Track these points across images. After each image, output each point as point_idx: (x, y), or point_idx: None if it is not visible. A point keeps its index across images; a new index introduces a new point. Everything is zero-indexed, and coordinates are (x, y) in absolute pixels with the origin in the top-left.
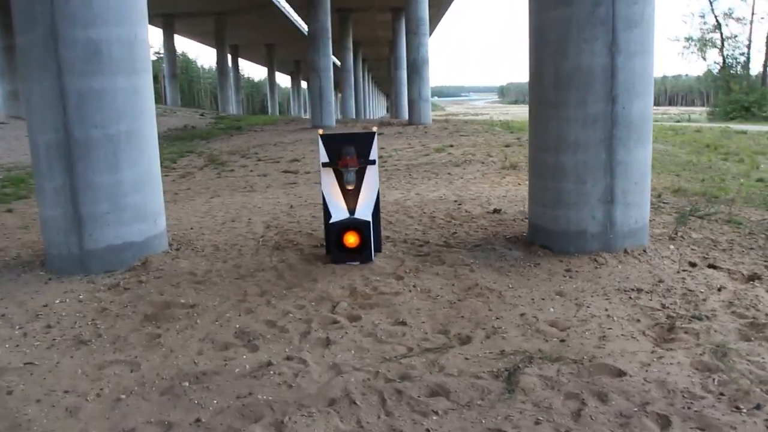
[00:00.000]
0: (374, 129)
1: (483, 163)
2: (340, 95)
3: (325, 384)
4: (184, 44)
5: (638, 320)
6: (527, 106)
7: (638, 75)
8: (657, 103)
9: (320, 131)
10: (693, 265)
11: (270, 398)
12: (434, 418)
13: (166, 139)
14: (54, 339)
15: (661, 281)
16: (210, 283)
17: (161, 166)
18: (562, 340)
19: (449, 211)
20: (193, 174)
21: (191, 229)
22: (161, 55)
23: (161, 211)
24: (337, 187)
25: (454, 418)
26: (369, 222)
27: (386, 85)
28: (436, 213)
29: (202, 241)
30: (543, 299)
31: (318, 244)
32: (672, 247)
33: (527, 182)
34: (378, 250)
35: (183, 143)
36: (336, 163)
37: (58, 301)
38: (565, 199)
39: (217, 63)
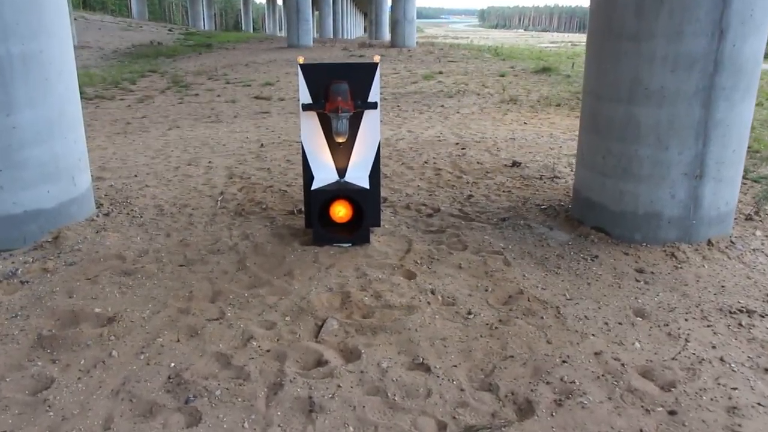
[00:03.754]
0: (376, 58)
1: (479, 94)
2: (317, 13)
3: None
4: None
5: (767, 370)
6: (508, 31)
7: None
8: None
9: (300, 59)
10: None
11: None
12: None
13: (128, 56)
14: None
15: None
16: (142, 274)
17: (117, 87)
18: (672, 412)
19: (455, 160)
20: (153, 98)
21: (134, 176)
22: None
23: (83, 166)
24: (323, 138)
25: None
26: (366, 189)
27: (364, 4)
28: (438, 162)
29: (143, 199)
30: (620, 323)
31: (294, 209)
32: (758, 233)
33: (534, 121)
34: (376, 223)
35: (146, 61)
36: (322, 106)
37: None
38: (636, 169)
39: None
